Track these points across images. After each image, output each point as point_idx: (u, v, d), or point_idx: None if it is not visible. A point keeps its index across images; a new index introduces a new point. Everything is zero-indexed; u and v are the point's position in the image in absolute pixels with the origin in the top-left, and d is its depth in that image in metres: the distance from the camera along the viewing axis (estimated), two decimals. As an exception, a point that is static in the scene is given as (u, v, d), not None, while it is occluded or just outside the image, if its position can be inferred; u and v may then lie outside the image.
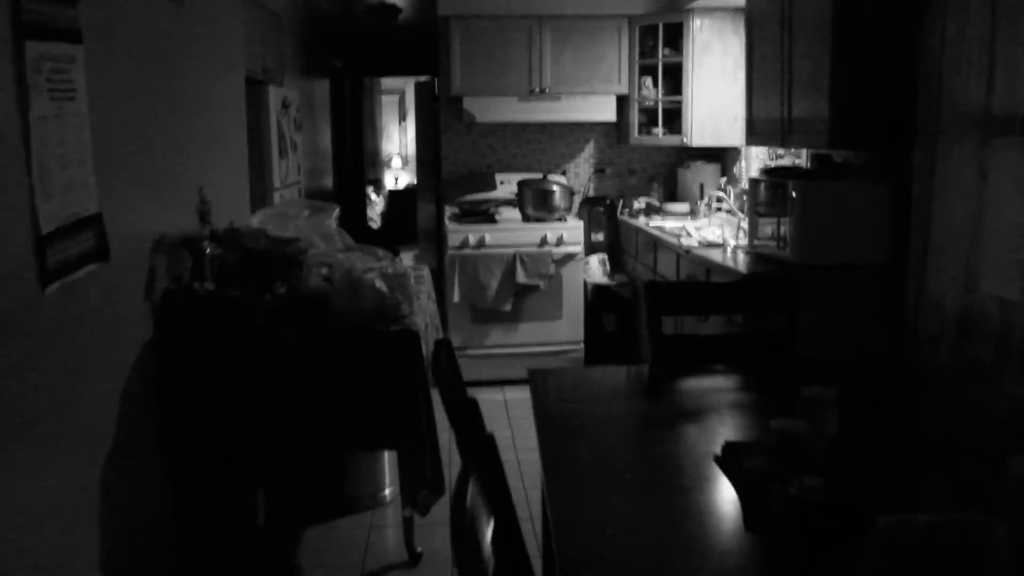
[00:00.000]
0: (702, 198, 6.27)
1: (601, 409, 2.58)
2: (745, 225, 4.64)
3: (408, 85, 13.98)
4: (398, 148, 14.54)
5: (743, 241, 4.60)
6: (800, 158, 5.01)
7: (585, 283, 5.98)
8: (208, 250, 3.29)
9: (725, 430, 2.35)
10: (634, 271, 6.01)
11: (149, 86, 3.11)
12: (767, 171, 4.41)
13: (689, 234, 5.12)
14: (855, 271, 3.93)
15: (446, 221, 6.09)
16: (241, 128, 4.36)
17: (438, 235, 8.80)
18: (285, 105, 5.02)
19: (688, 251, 4.66)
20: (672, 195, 6.59)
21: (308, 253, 3.46)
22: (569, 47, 6.08)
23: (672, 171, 6.67)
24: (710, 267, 4.38)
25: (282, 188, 4.95)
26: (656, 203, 6.33)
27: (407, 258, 11.70)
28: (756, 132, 4.74)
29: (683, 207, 6.31)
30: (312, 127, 6.75)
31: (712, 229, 5.25)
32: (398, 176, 14.27)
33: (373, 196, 13.35)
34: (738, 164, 6.04)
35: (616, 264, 6.36)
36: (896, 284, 3.88)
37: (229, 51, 4.17)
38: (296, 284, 3.33)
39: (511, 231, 5.81)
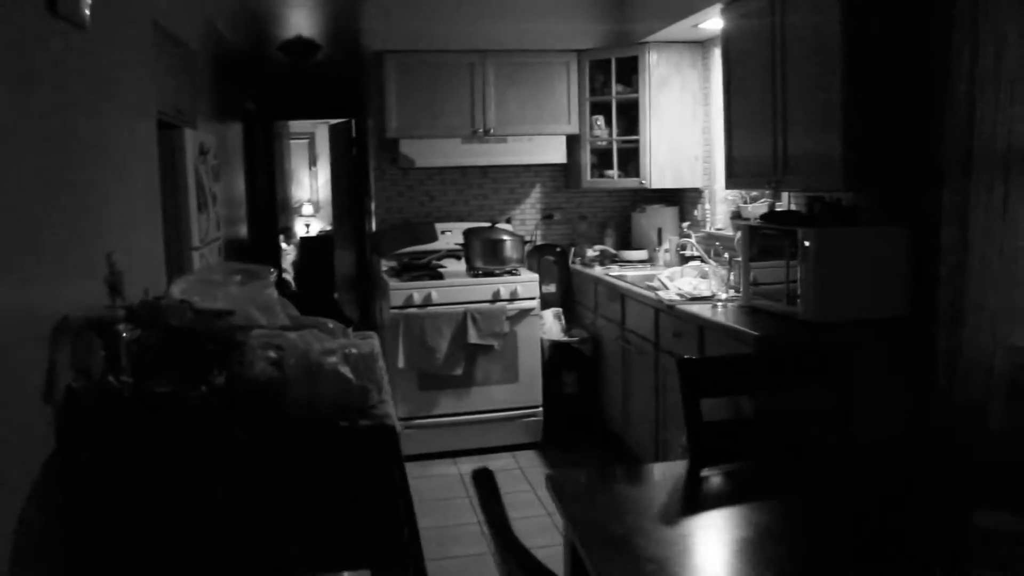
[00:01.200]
0: (660, 244, 5.81)
1: (650, 524, 2.01)
2: (732, 277, 4.16)
3: (318, 128, 13.33)
4: (308, 194, 13.82)
5: (730, 294, 4.12)
6: (780, 201, 4.57)
7: (542, 341, 5.43)
8: (124, 333, 2.62)
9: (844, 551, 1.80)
10: (594, 325, 5.48)
11: (40, 128, 2.45)
12: (767, 217, 3.93)
13: (663, 285, 4.62)
14: (875, 327, 3.47)
15: (384, 276, 5.47)
16: (153, 179, 3.69)
17: (359, 283, 8.17)
18: (203, 151, 4.36)
19: (672, 307, 4.15)
20: (626, 241, 6.11)
21: (251, 333, 2.82)
22: (514, 84, 5.57)
23: (625, 215, 6.20)
24: (704, 326, 3.87)
25: (202, 247, 4.27)
26: (611, 250, 5.84)
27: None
28: (737, 173, 4.28)
29: (640, 254, 5.83)
30: (228, 174, 6.07)
31: (686, 280, 4.76)
32: (309, 223, 13.54)
33: (284, 245, 12.61)
34: (699, 207, 5.59)
35: (572, 318, 5.82)
36: (920, 340, 3.43)
37: (139, 87, 3.51)
38: (237, 371, 2.68)
39: (460, 287, 5.23)
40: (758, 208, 4.82)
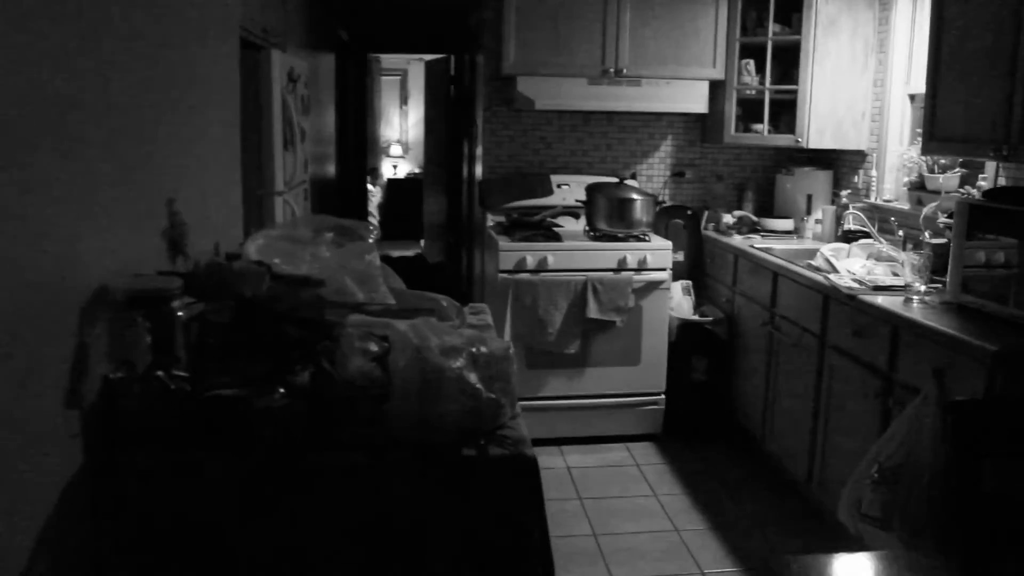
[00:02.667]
0: (809, 213, 4.98)
1: None
2: (924, 265, 3.35)
3: (411, 65, 12.61)
4: (398, 134, 13.16)
5: (927, 287, 3.32)
6: (984, 173, 3.72)
7: (670, 319, 4.68)
8: (181, 312, 1.96)
9: None
10: (730, 304, 4.71)
11: (87, 42, 1.78)
12: (996, 194, 3.11)
13: (831, 266, 3.83)
14: None
15: (491, 233, 4.77)
16: (233, 107, 3.02)
17: (448, 230, 7.48)
18: (292, 78, 3.68)
19: (853, 296, 3.36)
20: (767, 208, 5.29)
21: (347, 318, 2.14)
22: (654, 18, 4.76)
23: (768, 178, 5.37)
24: (899, 326, 3.08)
25: (287, 191, 3.62)
26: (752, 217, 5.03)
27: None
28: (941, 136, 3.44)
29: (786, 223, 5.02)
30: (318, 109, 5.41)
31: (855, 262, 3.95)
32: (397, 164, 12.90)
33: (371, 186, 12.00)
34: (861, 173, 4.75)
35: (702, 293, 5.06)
36: None
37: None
38: (327, 369, 2.00)
39: (580, 251, 4.50)
40: (950, 180, 3.98)
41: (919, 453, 2.85)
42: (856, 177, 4.81)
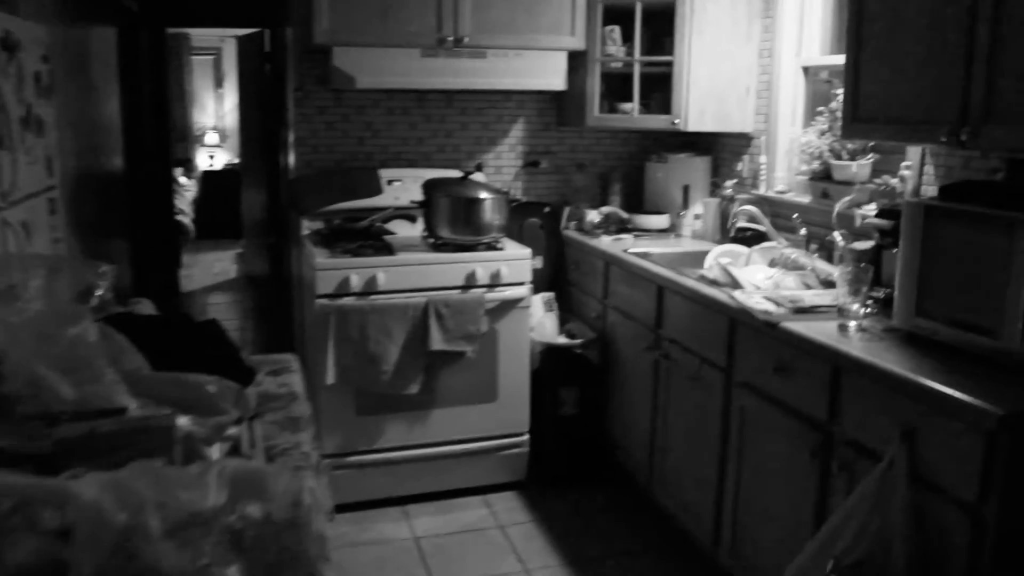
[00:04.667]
0: (686, 207, 4.26)
1: None
2: (861, 280, 2.62)
3: (226, 42, 11.33)
4: (214, 120, 11.87)
5: (865, 308, 2.59)
6: (909, 161, 3.06)
7: (532, 343, 3.86)
8: None
9: None
10: (602, 320, 3.92)
11: None
12: (956, 191, 2.40)
13: (731, 278, 3.08)
14: None
15: (308, 245, 3.82)
16: None
17: (270, 231, 6.42)
18: (7, 47, 2.62)
19: (773, 325, 2.61)
20: (636, 201, 4.54)
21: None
22: (499, -23, 3.90)
23: (636, 166, 4.62)
24: (841, 367, 2.35)
25: (4, 207, 2.56)
26: (621, 213, 4.27)
27: (226, 262, 9.22)
28: (869, 117, 2.73)
29: (660, 220, 4.28)
30: (87, 93, 4.29)
31: (757, 270, 3.23)
32: (214, 155, 11.63)
33: (183, 179, 10.70)
34: (746, 160, 4.05)
35: (566, 305, 4.26)
36: None
37: None
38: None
39: (418, 267, 3.61)
40: (864, 168, 3.31)
41: (887, 542, 2.13)
42: (740, 164, 4.10)
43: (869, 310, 2.58)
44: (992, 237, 2.18)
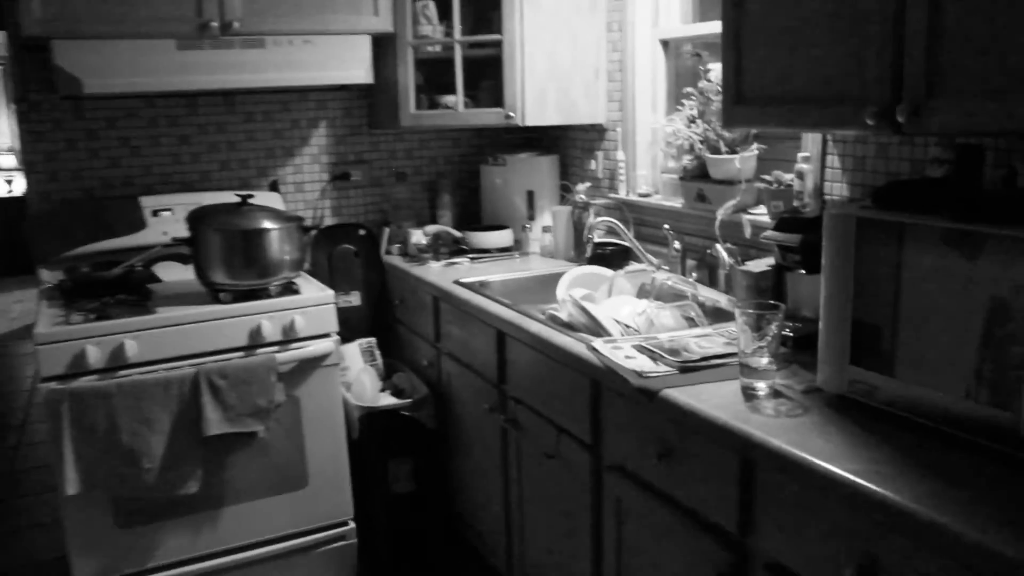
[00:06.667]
0: (532, 219, 3.52)
1: None
2: (776, 326, 1.90)
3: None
4: (10, 141, 10.54)
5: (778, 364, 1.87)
6: (807, 152, 2.38)
7: (347, 407, 3.03)
8: None
9: None
10: (435, 369, 3.13)
11: None
12: (886, 194, 1.70)
13: (590, 318, 2.34)
14: None
15: (41, 307, 2.88)
16: None
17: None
18: None
19: (652, 394, 1.86)
20: (472, 215, 3.77)
21: None
22: (275, -58, 3.05)
23: (470, 171, 3.84)
24: (756, 458, 1.62)
25: None
26: (453, 232, 3.49)
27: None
28: (756, 99, 2.02)
29: (502, 237, 3.52)
30: None
31: (621, 302, 2.51)
32: (12, 179, 10.29)
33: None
34: (598, 158, 3.34)
35: (391, 350, 3.45)
36: None
37: None
38: None
39: (184, 327, 2.72)
40: (748, 162, 2.62)
41: None
42: (594, 163, 3.39)
43: (781, 363, 1.87)
44: (950, 260, 1.49)
